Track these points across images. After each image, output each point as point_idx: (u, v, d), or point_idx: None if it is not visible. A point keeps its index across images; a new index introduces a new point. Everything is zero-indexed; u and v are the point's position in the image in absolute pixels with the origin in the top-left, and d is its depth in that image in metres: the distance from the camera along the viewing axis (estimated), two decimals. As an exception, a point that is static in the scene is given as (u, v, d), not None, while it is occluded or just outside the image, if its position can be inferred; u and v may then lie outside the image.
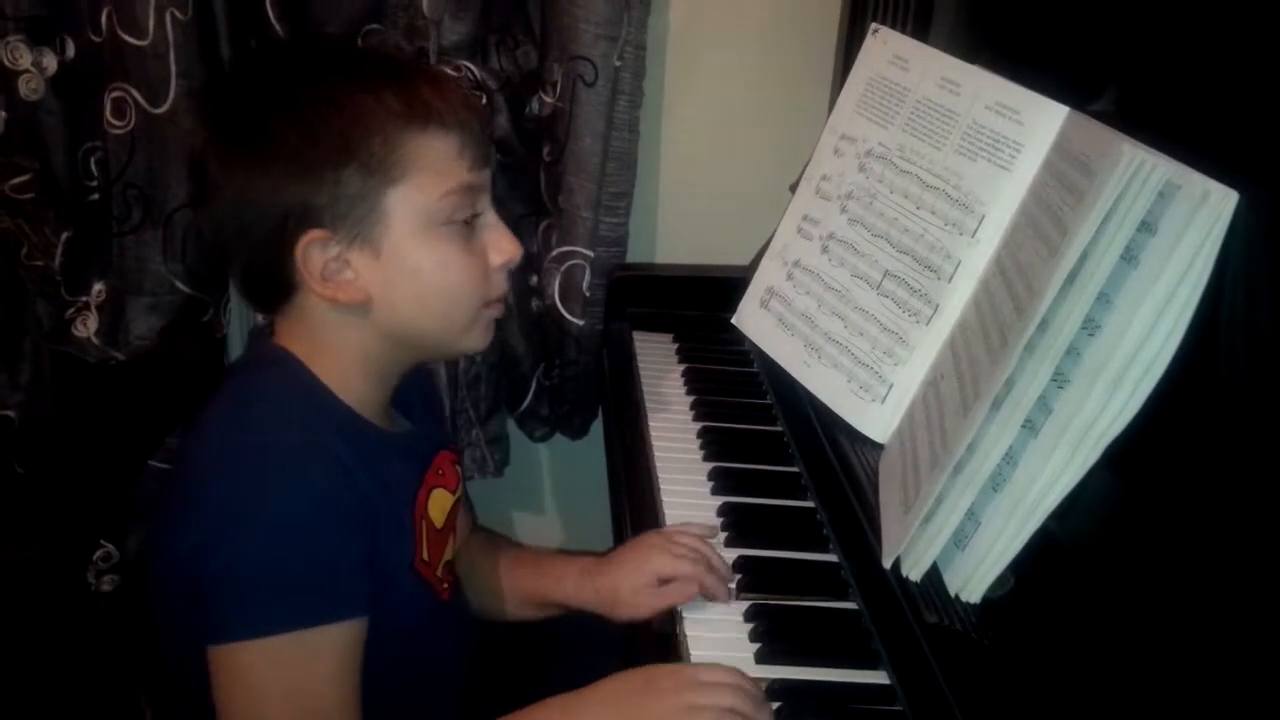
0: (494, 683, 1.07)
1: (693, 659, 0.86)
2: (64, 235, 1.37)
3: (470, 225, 0.88)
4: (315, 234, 0.82)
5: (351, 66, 0.87)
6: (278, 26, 1.32)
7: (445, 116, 0.84)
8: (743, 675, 0.81)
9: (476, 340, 0.91)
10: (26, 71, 1.31)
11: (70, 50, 1.32)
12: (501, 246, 0.89)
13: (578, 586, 1.00)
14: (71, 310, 1.40)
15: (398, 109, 0.83)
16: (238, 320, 1.46)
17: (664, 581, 0.93)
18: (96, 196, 1.36)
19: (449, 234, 0.86)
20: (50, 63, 1.32)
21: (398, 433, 0.93)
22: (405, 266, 0.85)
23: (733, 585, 0.93)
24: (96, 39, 1.30)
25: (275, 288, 0.86)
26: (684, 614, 0.91)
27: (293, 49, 0.92)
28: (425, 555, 0.91)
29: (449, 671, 0.98)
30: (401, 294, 0.85)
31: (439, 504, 0.95)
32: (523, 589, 1.07)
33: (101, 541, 1.39)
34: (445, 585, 0.96)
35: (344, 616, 0.80)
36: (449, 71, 0.95)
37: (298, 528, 0.79)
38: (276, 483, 0.80)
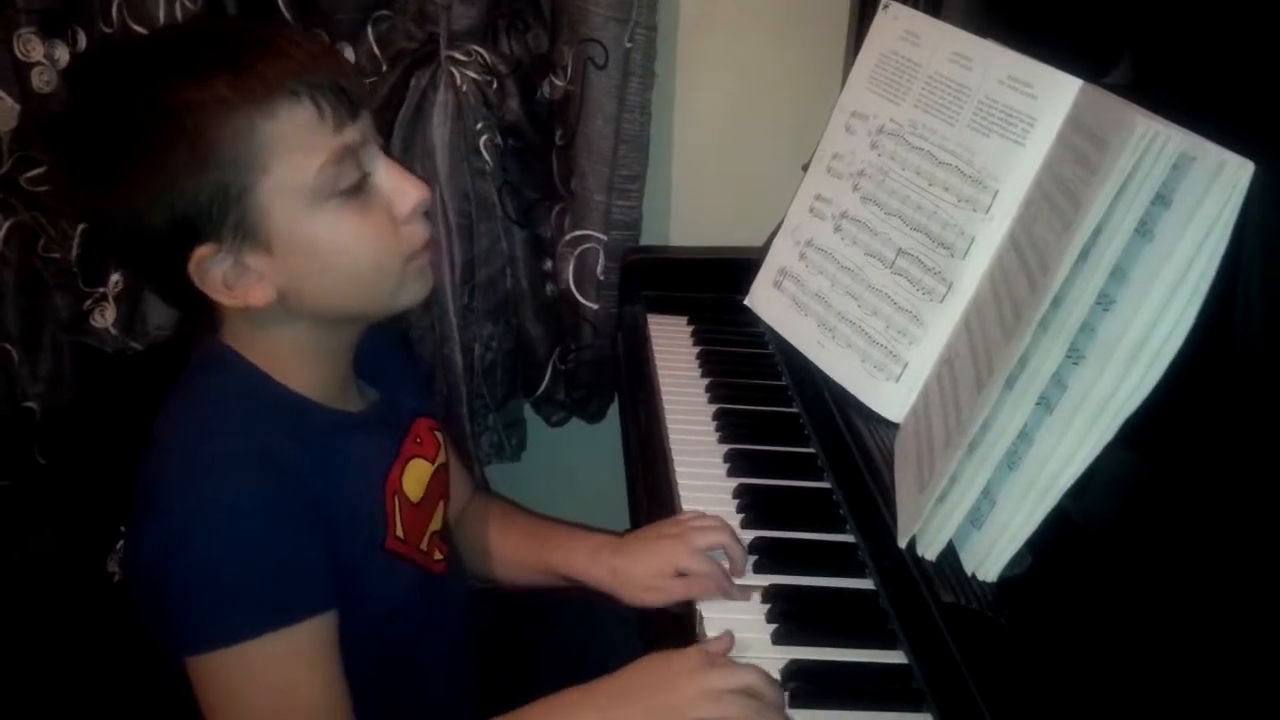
0: (504, 655, 1.08)
1: (708, 636, 0.86)
2: (80, 227, 1.38)
3: (362, 188, 0.81)
4: (201, 251, 0.78)
5: (175, 58, 0.79)
6: (287, 14, 1.33)
7: (290, 86, 0.77)
8: (759, 670, 0.81)
9: (412, 295, 0.86)
10: (39, 64, 1.32)
11: (82, 42, 1.33)
12: (403, 193, 0.83)
13: (588, 563, 1.00)
14: (89, 301, 1.41)
15: (234, 95, 0.75)
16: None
17: (679, 574, 0.93)
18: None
19: (339, 205, 0.80)
20: (62, 55, 1.33)
21: (360, 410, 0.91)
22: (304, 251, 0.79)
23: (749, 582, 0.92)
24: (108, 30, 1.30)
25: (192, 301, 0.82)
26: (702, 612, 0.91)
27: (109, 51, 0.85)
28: (400, 532, 0.89)
29: (449, 645, 0.98)
30: (311, 278, 0.81)
31: (415, 476, 0.93)
32: (531, 558, 1.07)
33: (122, 530, 1.41)
34: (438, 558, 0.95)
35: (309, 614, 0.79)
36: (286, 32, 0.85)
37: (244, 536, 0.77)
38: (217, 494, 0.77)
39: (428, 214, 0.87)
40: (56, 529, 1.32)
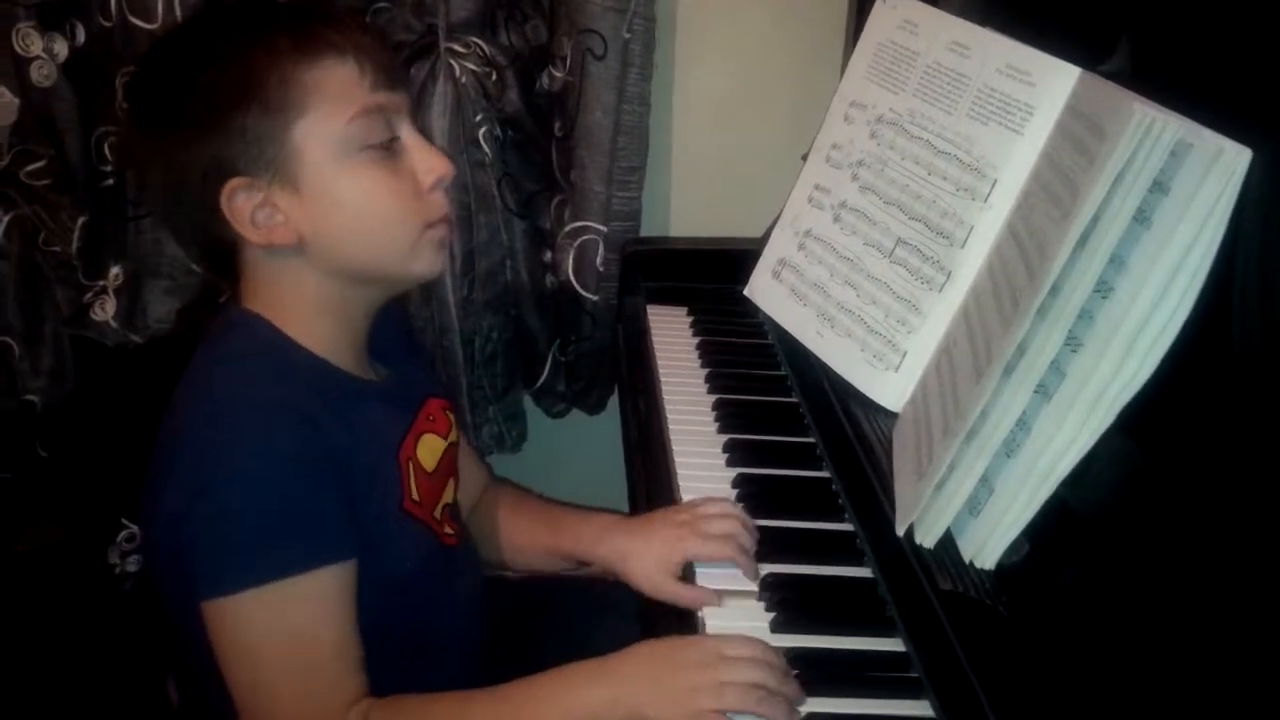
0: (510, 641, 1.08)
1: (709, 628, 0.86)
2: (80, 220, 1.39)
3: (390, 149, 0.87)
4: (234, 182, 0.83)
5: (242, 21, 0.88)
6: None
7: (338, 43, 0.84)
8: (766, 647, 0.81)
9: (426, 264, 0.91)
10: (38, 58, 1.32)
11: (81, 35, 1.33)
12: (429, 164, 0.88)
13: (595, 543, 1.01)
14: (90, 295, 1.41)
15: (288, 46, 0.83)
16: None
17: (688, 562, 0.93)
18: (111, 181, 1.37)
19: (368, 159, 0.85)
20: (61, 49, 1.33)
21: (375, 380, 0.94)
22: (329, 199, 0.85)
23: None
24: (107, 24, 1.30)
25: (219, 250, 0.88)
26: (699, 581, 0.91)
27: (189, 22, 0.96)
28: (416, 495, 0.92)
29: (462, 620, 0.99)
30: (332, 227, 0.86)
31: (429, 447, 0.95)
32: (541, 542, 1.08)
33: (124, 522, 1.41)
34: (449, 531, 0.97)
35: (327, 560, 0.81)
36: (341, 8, 0.97)
37: (269, 479, 0.80)
38: (242, 439, 0.81)
39: (446, 191, 0.91)
40: (58, 522, 1.32)
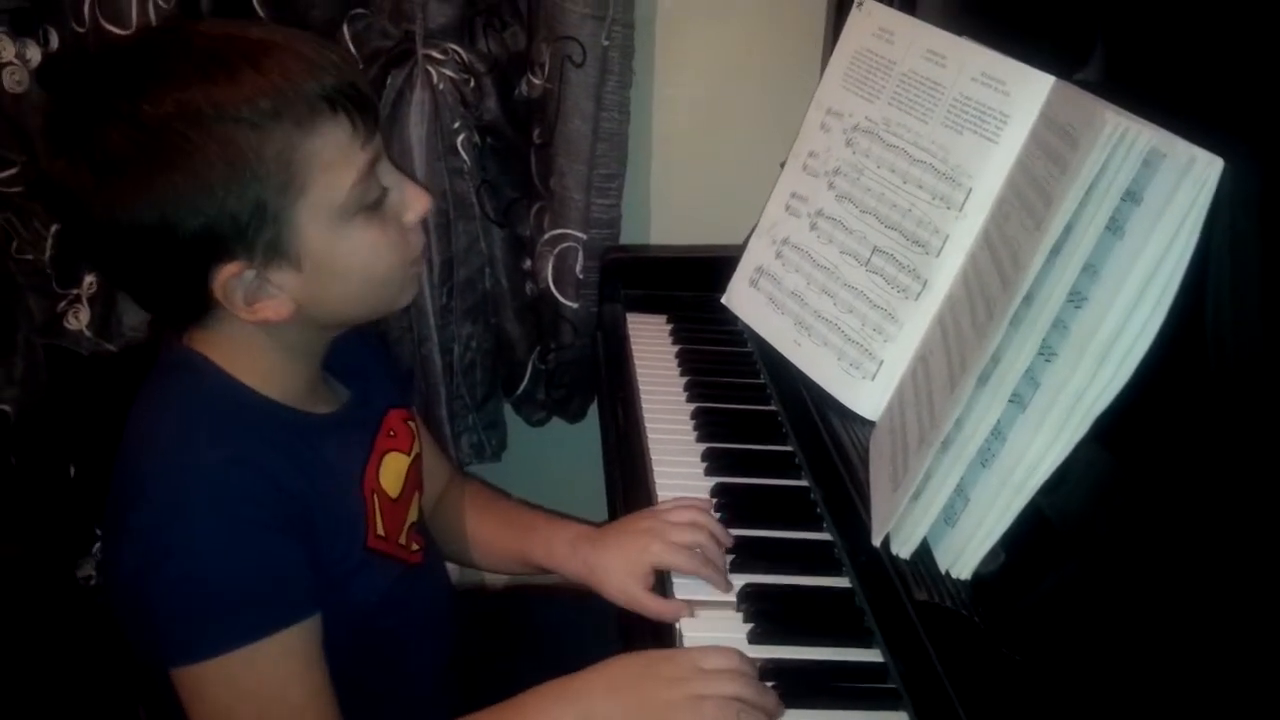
0: (486, 656, 1.07)
1: (686, 640, 0.86)
2: (53, 228, 1.37)
3: (380, 202, 0.83)
4: (230, 269, 0.77)
5: (202, 60, 0.75)
6: (261, 13, 1.32)
7: (329, 99, 0.77)
8: (744, 659, 0.81)
9: (405, 299, 0.89)
10: (10, 64, 1.31)
11: (54, 41, 1.32)
12: (412, 203, 0.85)
13: (566, 556, 1.00)
14: (63, 303, 1.40)
15: (277, 112, 0.75)
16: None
17: (659, 572, 0.93)
18: (85, 188, 1.35)
19: (363, 221, 0.81)
20: (34, 54, 1.32)
21: (332, 411, 0.91)
22: (331, 270, 0.80)
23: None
24: (80, 29, 1.29)
25: (191, 312, 0.81)
26: (677, 595, 0.91)
27: (129, 49, 0.79)
28: (381, 530, 0.89)
29: (430, 635, 0.98)
30: (332, 294, 0.82)
31: (392, 470, 0.93)
32: (509, 548, 1.07)
33: (98, 533, 1.40)
34: (415, 549, 0.95)
35: (289, 622, 0.78)
36: (308, 35, 0.81)
37: (227, 544, 0.77)
38: (199, 502, 0.77)
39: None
40: (31, 533, 1.31)
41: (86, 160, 0.75)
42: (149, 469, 0.79)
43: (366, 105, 0.80)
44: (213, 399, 0.83)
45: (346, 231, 0.80)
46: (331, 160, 0.78)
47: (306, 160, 0.76)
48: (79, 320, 1.39)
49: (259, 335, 0.83)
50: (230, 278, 0.78)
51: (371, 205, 0.81)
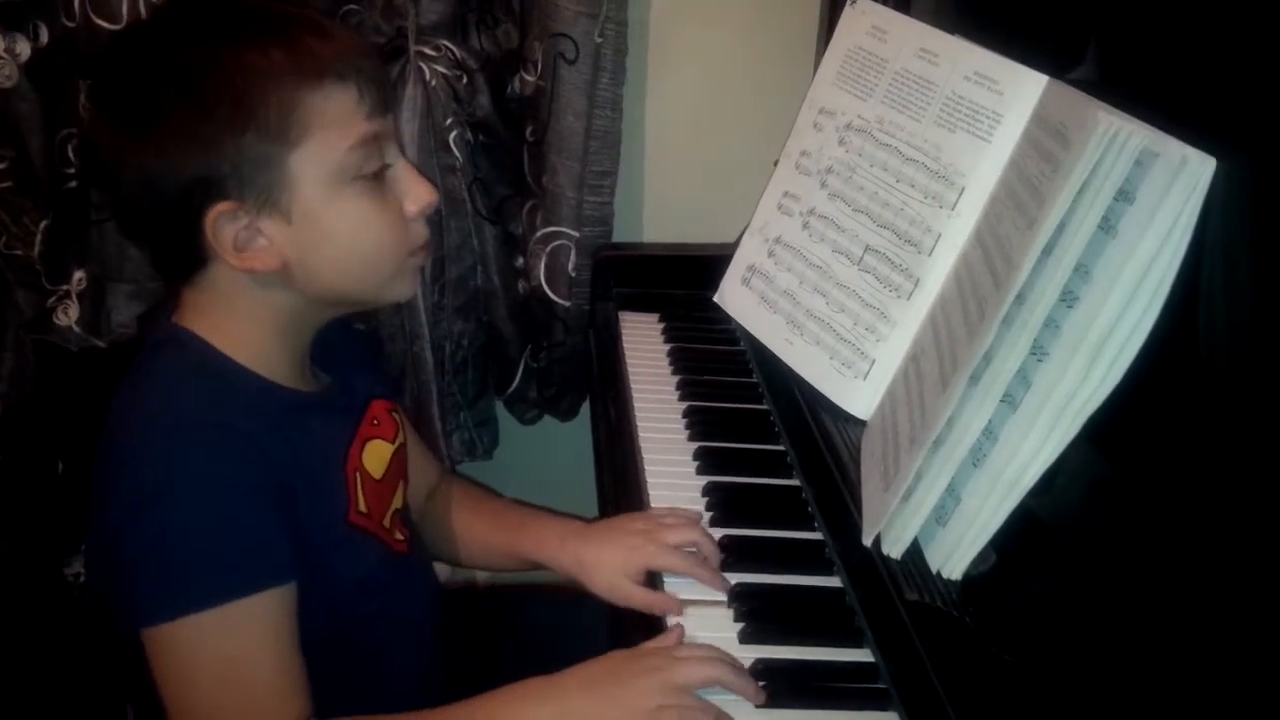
0: (472, 653, 1.07)
1: (677, 639, 0.86)
2: (43, 223, 1.37)
3: (380, 178, 0.85)
4: (222, 206, 0.80)
5: (233, 26, 0.82)
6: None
7: (338, 67, 0.81)
8: (718, 650, 0.81)
9: (401, 290, 0.90)
10: (0, 58, 1.30)
11: (44, 36, 1.31)
12: (416, 194, 0.87)
13: (557, 550, 1.00)
14: (53, 299, 1.39)
15: (288, 67, 0.80)
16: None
17: (650, 573, 0.92)
18: (74, 184, 1.35)
19: (360, 190, 0.84)
20: (24, 49, 1.31)
21: (314, 391, 0.92)
22: (319, 229, 0.83)
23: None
24: (70, 24, 1.28)
25: (187, 261, 0.84)
26: (670, 592, 0.90)
27: (170, 13, 0.87)
28: (363, 506, 0.90)
29: (413, 628, 0.97)
30: (319, 257, 0.84)
31: (376, 454, 0.94)
32: (499, 544, 1.07)
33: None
34: (400, 538, 0.95)
35: (265, 586, 0.79)
36: (334, 22, 0.92)
37: (208, 502, 0.78)
38: (183, 461, 0.79)
39: (428, 219, 0.90)
40: (18, 528, 1.30)
41: (104, 101, 0.84)
42: (136, 431, 0.81)
43: (377, 82, 0.84)
44: (199, 369, 0.84)
45: (340, 194, 0.83)
46: (333, 120, 0.81)
47: (308, 115, 0.80)
48: (68, 316, 1.38)
49: (248, 304, 0.85)
50: (220, 214, 0.80)
51: (370, 177, 0.84)
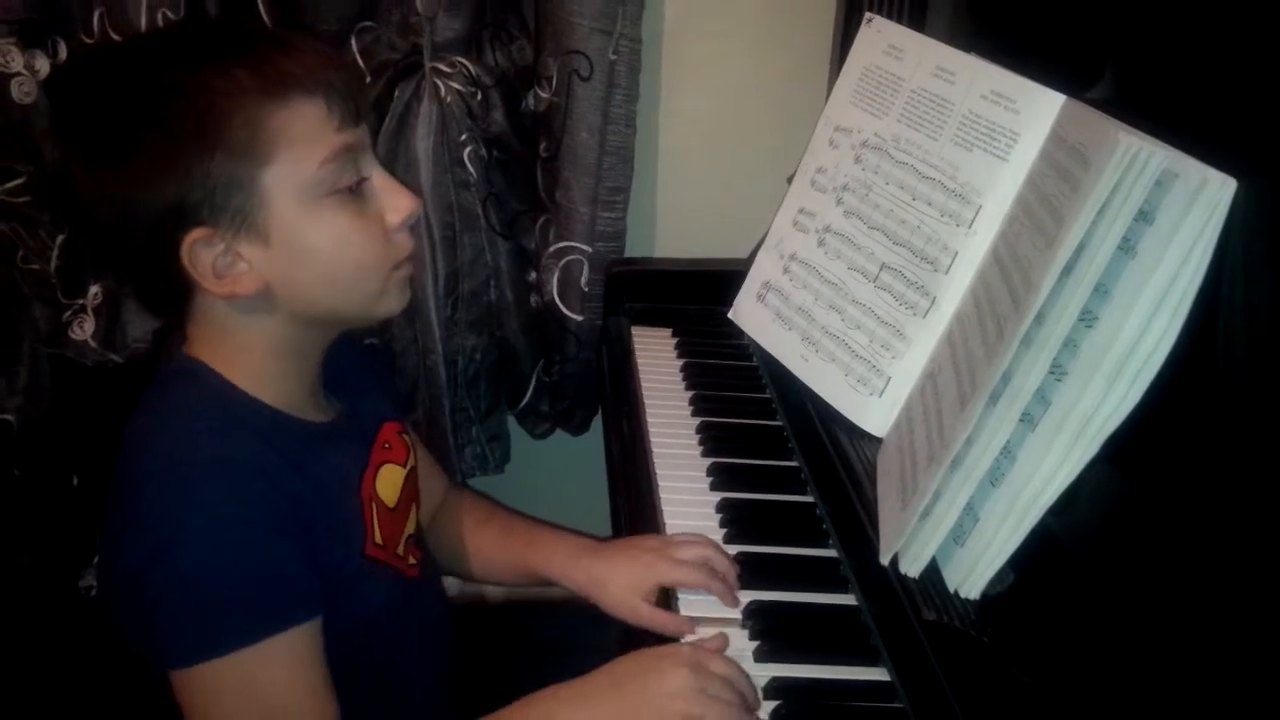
0: (485, 670, 1.07)
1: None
2: (59, 238, 1.37)
3: (358, 191, 0.83)
4: (197, 233, 0.78)
5: (195, 48, 0.81)
6: (270, 25, 1.32)
7: (304, 81, 0.79)
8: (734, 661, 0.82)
9: (392, 304, 0.88)
10: (19, 74, 1.31)
11: (62, 52, 1.32)
12: (396, 204, 0.85)
13: (567, 567, 0.99)
14: (69, 313, 1.40)
15: (252, 84, 0.78)
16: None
17: (664, 590, 0.92)
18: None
19: (337, 204, 0.81)
20: (43, 65, 1.32)
21: (328, 421, 0.91)
22: (298, 247, 0.81)
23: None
24: (88, 40, 1.29)
25: (171, 293, 0.83)
26: (682, 610, 0.90)
27: (130, 41, 0.86)
28: (378, 538, 0.89)
29: (429, 648, 0.97)
30: (301, 276, 0.82)
31: (389, 481, 0.93)
32: (510, 558, 1.06)
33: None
34: (412, 562, 0.95)
35: (294, 621, 0.78)
36: (300, 34, 0.88)
37: (227, 542, 0.77)
38: (200, 499, 0.77)
39: (412, 228, 0.88)
40: (34, 543, 1.30)
41: (69, 136, 0.81)
42: (148, 469, 0.80)
43: (346, 93, 0.82)
44: (212, 403, 0.83)
45: (316, 211, 0.81)
46: (302, 135, 0.79)
47: (276, 131, 0.78)
48: (84, 330, 1.39)
49: (243, 332, 0.84)
50: (196, 241, 0.78)
51: (347, 191, 0.82)
